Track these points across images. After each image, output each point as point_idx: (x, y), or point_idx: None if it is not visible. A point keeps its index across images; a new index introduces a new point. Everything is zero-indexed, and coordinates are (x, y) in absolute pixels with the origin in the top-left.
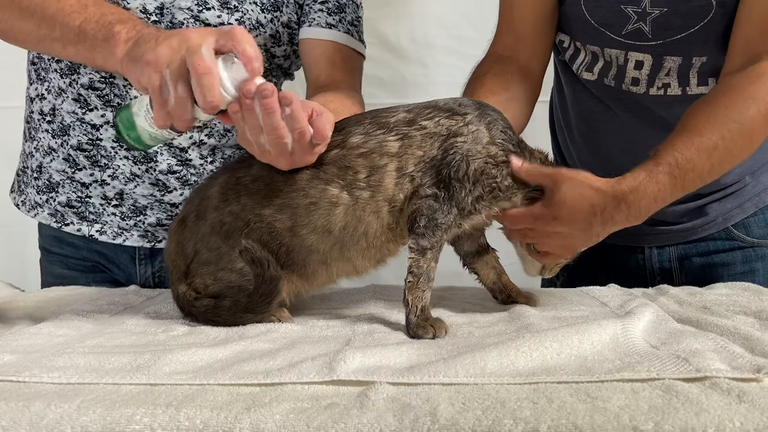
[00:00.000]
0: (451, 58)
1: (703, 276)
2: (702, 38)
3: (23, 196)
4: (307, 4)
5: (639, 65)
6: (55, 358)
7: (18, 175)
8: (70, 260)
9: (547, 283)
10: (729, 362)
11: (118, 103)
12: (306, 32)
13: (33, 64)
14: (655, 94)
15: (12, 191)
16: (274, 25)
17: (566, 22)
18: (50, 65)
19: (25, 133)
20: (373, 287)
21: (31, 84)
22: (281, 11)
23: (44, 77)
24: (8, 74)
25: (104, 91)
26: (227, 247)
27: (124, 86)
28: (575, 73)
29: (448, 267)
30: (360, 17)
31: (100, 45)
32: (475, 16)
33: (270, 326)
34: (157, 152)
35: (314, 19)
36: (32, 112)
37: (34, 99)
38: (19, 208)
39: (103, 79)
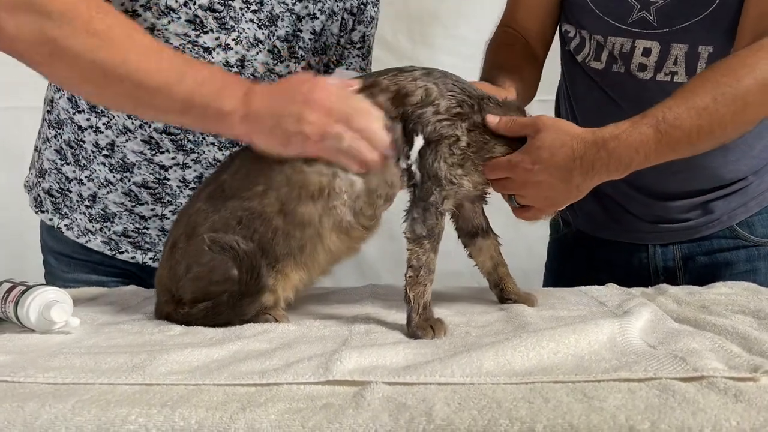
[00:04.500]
0: (450, 57)
1: (706, 275)
2: (708, 26)
3: (67, 221)
4: (346, 48)
5: (647, 52)
6: (51, 358)
7: (52, 195)
8: (99, 267)
9: (550, 281)
10: (726, 361)
11: (191, 148)
12: (343, 74)
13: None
14: (662, 80)
15: (42, 210)
16: (270, 40)
17: (571, 12)
18: None
19: (64, 154)
20: (371, 287)
21: (78, 111)
22: (276, 25)
23: (102, 111)
24: (8, 74)
25: (178, 136)
26: (220, 257)
27: (202, 133)
28: (581, 64)
29: (447, 267)
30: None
31: (211, 122)
32: (473, 15)
33: (267, 326)
34: None
35: (351, 63)
36: (83, 141)
37: (86, 129)
38: (63, 232)
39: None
